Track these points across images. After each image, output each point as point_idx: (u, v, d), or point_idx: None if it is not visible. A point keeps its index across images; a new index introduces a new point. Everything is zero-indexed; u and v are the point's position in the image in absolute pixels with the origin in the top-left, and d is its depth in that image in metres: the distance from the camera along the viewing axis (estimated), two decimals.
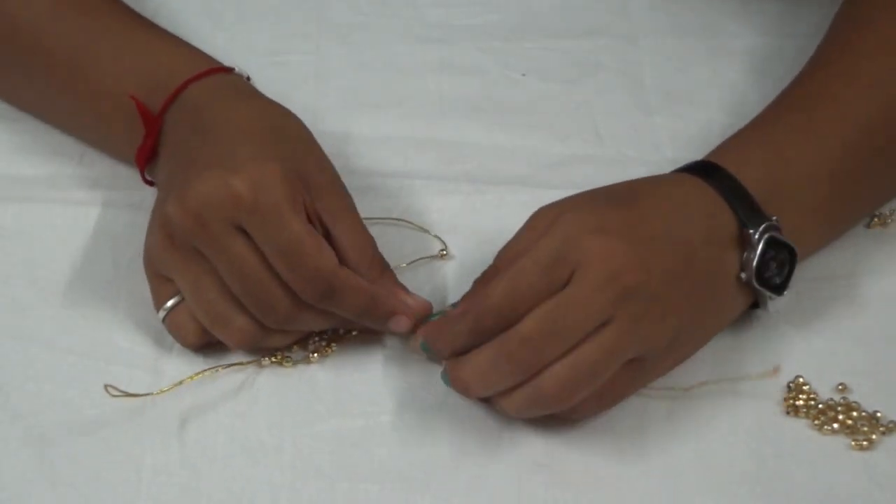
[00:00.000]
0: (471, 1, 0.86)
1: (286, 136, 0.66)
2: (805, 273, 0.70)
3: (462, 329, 0.61)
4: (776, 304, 0.64)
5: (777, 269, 0.64)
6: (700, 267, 0.62)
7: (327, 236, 0.63)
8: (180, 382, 0.64)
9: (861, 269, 0.71)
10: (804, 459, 0.63)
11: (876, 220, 0.73)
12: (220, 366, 0.65)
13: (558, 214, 0.61)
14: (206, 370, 0.64)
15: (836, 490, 0.62)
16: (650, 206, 0.62)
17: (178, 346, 0.66)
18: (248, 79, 0.71)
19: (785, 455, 0.63)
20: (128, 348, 0.66)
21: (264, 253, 0.61)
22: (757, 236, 0.62)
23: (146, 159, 0.68)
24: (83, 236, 0.71)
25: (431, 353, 0.64)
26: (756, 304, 0.65)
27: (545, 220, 0.61)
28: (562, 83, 0.81)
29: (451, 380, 0.61)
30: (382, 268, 0.65)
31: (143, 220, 0.71)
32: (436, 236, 0.72)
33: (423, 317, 0.65)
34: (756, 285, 0.63)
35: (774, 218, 0.63)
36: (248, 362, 0.65)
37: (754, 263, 0.63)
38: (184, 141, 0.66)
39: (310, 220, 0.62)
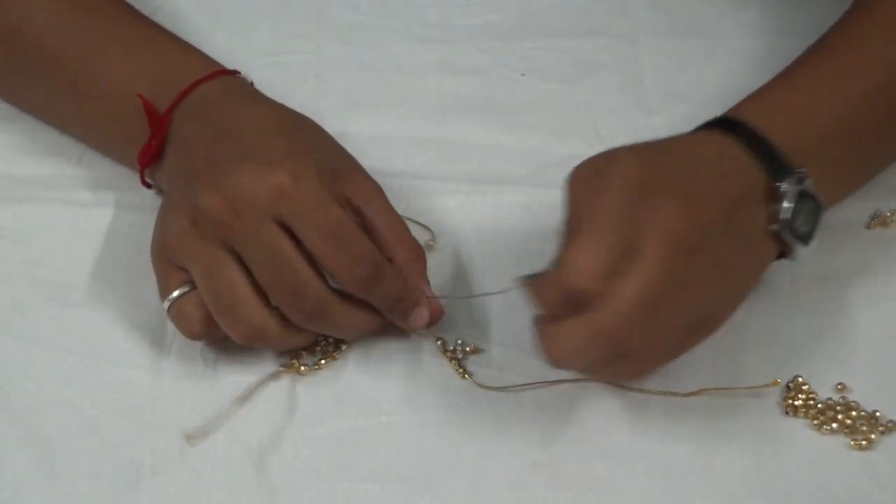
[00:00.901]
0: (471, 1, 0.86)
1: (306, 132, 0.67)
2: (805, 273, 0.70)
3: (550, 299, 0.60)
4: (803, 252, 0.64)
5: (804, 219, 0.64)
6: (736, 222, 0.62)
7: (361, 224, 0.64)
8: (241, 403, 0.64)
9: (861, 269, 0.71)
10: (803, 459, 0.63)
11: (876, 220, 0.73)
12: (266, 376, 0.65)
13: (609, 175, 0.60)
14: (249, 392, 0.65)
15: (836, 490, 0.62)
16: (685, 164, 0.62)
17: (177, 346, 0.66)
18: (252, 83, 0.72)
19: (784, 455, 0.63)
20: (128, 348, 0.66)
21: (306, 242, 0.62)
22: (787, 188, 0.62)
23: (150, 159, 0.68)
24: (83, 236, 0.71)
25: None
26: (782, 254, 0.65)
27: (599, 181, 0.60)
28: (562, 83, 0.81)
29: (546, 354, 0.60)
30: (418, 249, 0.66)
31: (142, 220, 0.71)
32: (425, 226, 0.72)
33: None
34: (787, 237, 0.63)
35: (803, 169, 0.63)
36: (282, 371, 0.66)
37: (786, 215, 0.62)
38: (196, 139, 0.66)
39: None
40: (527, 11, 0.86)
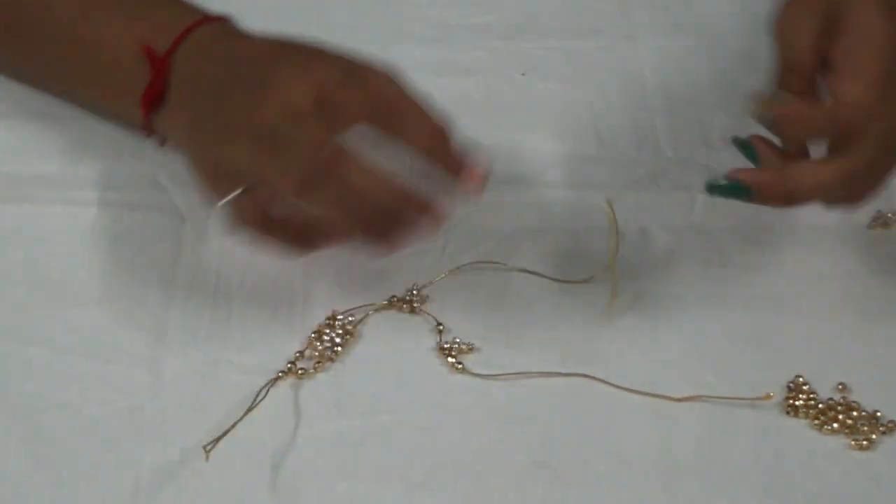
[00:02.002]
0: (471, 1, 0.86)
1: (309, 43, 0.66)
2: (805, 273, 0.70)
3: (819, 124, 0.63)
4: None
5: None
6: None
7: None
8: (248, 412, 0.64)
9: (861, 269, 0.71)
10: (804, 459, 0.63)
11: (877, 220, 0.73)
12: (272, 379, 0.65)
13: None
14: (258, 400, 0.65)
15: (836, 490, 0.62)
16: None
17: (177, 346, 0.66)
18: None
19: (785, 455, 0.63)
20: (128, 348, 0.66)
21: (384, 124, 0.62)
22: None
23: (152, 102, 0.68)
24: (83, 236, 0.71)
25: (768, 124, 0.64)
26: None
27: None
28: (562, 83, 0.81)
29: (787, 185, 0.63)
30: (440, 133, 0.65)
31: (142, 220, 0.72)
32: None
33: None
34: None
35: None
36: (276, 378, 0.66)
37: None
38: (205, 73, 0.66)
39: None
40: (527, 11, 0.86)
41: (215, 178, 0.65)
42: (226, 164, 0.63)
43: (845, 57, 0.63)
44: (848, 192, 0.65)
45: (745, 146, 0.66)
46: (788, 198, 0.64)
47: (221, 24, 0.69)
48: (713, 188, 0.64)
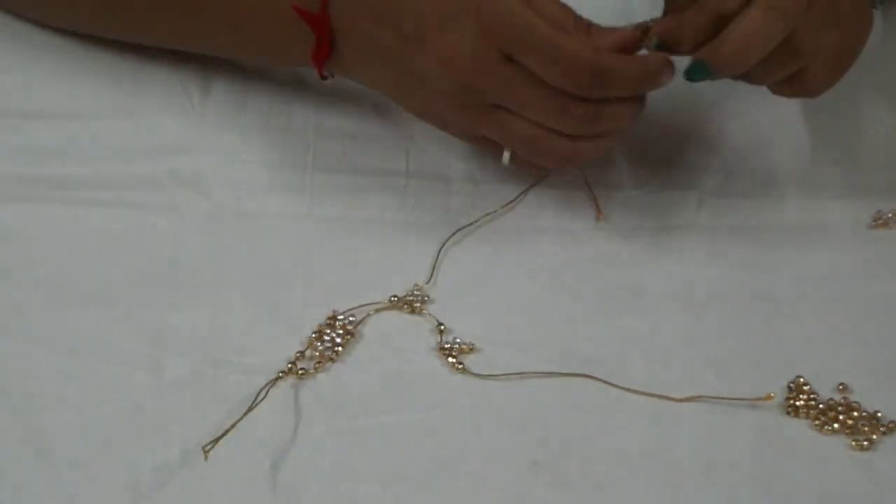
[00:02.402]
0: None
1: None
2: (805, 273, 0.70)
3: (699, 22, 0.64)
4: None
5: None
6: None
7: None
8: (248, 412, 0.64)
9: (861, 270, 0.71)
10: (804, 459, 0.63)
11: (877, 220, 0.73)
12: (271, 382, 0.65)
13: None
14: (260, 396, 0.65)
15: (836, 490, 0.62)
16: None
17: (177, 345, 0.66)
18: None
19: (785, 455, 0.63)
20: (128, 348, 0.66)
21: (534, 72, 0.64)
22: None
23: (325, 57, 0.70)
24: (83, 236, 0.71)
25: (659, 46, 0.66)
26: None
27: None
28: None
29: (721, 54, 0.63)
30: (590, 27, 0.67)
31: (143, 220, 0.71)
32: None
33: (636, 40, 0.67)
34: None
35: None
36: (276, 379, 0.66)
37: None
38: (371, 28, 0.67)
39: None
40: None
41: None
42: (450, 126, 0.69)
43: None
44: (795, 55, 0.65)
45: (692, 69, 0.66)
46: (733, 59, 0.64)
47: None
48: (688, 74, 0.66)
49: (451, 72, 0.65)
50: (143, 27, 0.77)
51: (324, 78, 0.72)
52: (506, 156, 0.69)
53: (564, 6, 0.67)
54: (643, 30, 0.66)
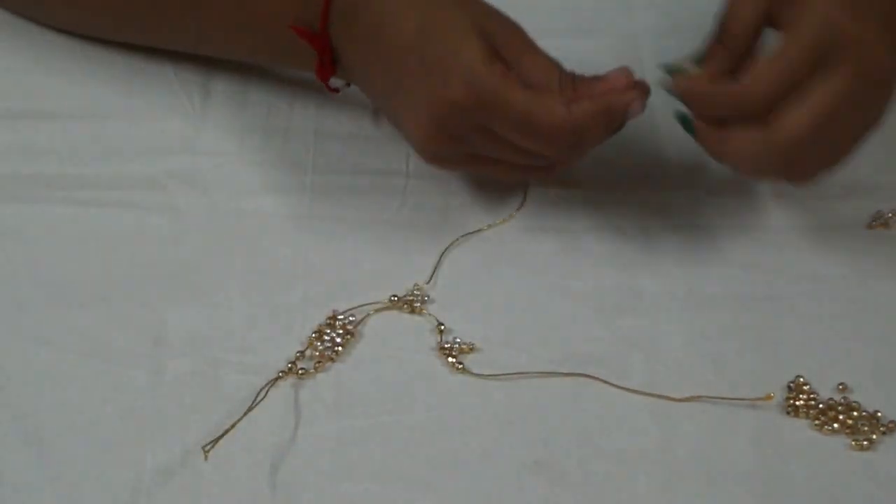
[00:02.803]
0: None
1: (443, 6, 0.66)
2: (805, 273, 0.70)
3: (724, 103, 0.63)
4: None
5: None
6: None
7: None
8: (248, 412, 0.64)
9: (861, 270, 0.71)
10: (804, 459, 0.63)
11: (877, 220, 0.73)
12: (268, 383, 0.65)
13: None
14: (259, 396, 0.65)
15: (836, 490, 0.62)
16: None
17: (177, 345, 0.66)
18: None
19: (785, 455, 0.63)
20: (128, 348, 0.66)
21: (508, 138, 0.64)
22: None
23: (328, 74, 0.71)
24: (83, 236, 0.71)
25: (677, 96, 0.65)
26: None
27: None
28: None
29: (712, 150, 0.64)
30: (574, 81, 0.66)
31: (142, 220, 0.71)
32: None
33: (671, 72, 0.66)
34: None
35: None
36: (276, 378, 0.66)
37: None
38: (364, 59, 0.68)
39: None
40: (527, 11, 0.86)
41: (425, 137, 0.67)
42: (439, 154, 0.67)
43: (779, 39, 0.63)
44: (783, 170, 0.65)
45: (684, 120, 0.67)
46: (722, 159, 0.65)
47: None
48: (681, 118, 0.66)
49: (419, 139, 0.66)
50: (143, 28, 0.77)
51: (333, 90, 0.72)
52: None
53: (550, 64, 0.66)
54: (630, 80, 0.66)
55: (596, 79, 0.66)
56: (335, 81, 0.72)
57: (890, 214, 0.74)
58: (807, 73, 0.61)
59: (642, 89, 0.65)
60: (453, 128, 0.65)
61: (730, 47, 0.65)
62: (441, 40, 0.64)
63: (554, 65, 0.66)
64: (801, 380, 0.66)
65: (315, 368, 0.66)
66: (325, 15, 0.68)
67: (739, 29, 0.64)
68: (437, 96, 0.64)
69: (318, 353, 0.66)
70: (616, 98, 0.65)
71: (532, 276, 0.70)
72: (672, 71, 0.66)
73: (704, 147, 0.65)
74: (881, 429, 0.64)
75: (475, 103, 0.63)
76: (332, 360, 0.66)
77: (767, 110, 0.62)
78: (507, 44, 0.65)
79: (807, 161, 0.64)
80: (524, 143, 0.64)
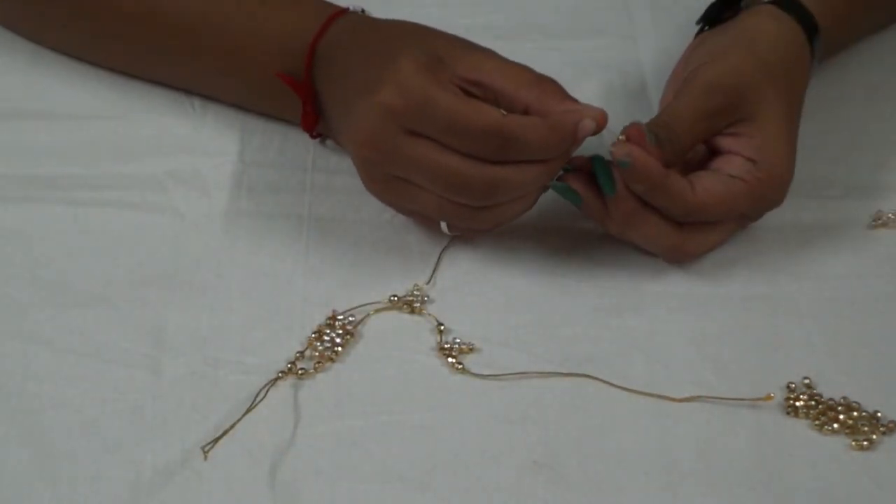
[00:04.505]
0: (471, 1, 0.86)
1: (402, 36, 0.68)
2: (806, 273, 0.70)
3: (665, 202, 0.67)
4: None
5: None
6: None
7: (488, 96, 0.66)
8: (248, 412, 0.64)
9: (862, 270, 0.71)
10: (804, 459, 0.63)
11: (877, 220, 0.73)
12: (267, 384, 0.65)
13: (730, 77, 0.69)
14: (258, 396, 0.65)
15: (836, 490, 0.62)
16: (768, 50, 0.70)
17: (177, 346, 0.66)
18: (363, 11, 0.73)
19: (785, 455, 0.63)
20: (128, 348, 0.66)
21: (437, 140, 0.64)
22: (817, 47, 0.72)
23: (313, 123, 0.72)
24: (83, 236, 0.71)
25: (625, 169, 0.66)
26: None
27: (711, 79, 0.69)
28: (562, 83, 0.81)
29: (619, 219, 0.67)
30: (544, 82, 0.67)
31: (142, 220, 0.72)
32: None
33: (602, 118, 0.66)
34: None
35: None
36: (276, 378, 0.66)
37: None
38: (331, 95, 0.69)
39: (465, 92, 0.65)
40: (527, 11, 0.86)
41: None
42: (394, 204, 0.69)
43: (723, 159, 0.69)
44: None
45: (566, 192, 0.68)
46: (620, 226, 0.68)
47: (337, 29, 0.70)
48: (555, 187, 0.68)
49: (355, 146, 0.66)
50: (143, 70, 0.78)
51: (315, 138, 0.74)
52: (443, 225, 0.69)
53: (518, 67, 0.67)
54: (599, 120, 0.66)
55: (570, 97, 0.67)
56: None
57: (890, 214, 0.74)
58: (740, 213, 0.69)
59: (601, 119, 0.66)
60: (385, 136, 0.64)
61: (674, 143, 0.67)
62: (386, 58, 0.65)
63: (523, 69, 0.67)
64: (801, 380, 0.66)
65: (315, 369, 0.66)
66: (308, 64, 0.69)
67: (687, 137, 0.68)
68: (370, 103, 0.64)
69: (317, 354, 0.66)
70: (564, 117, 0.65)
71: (532, 276, 0.70)
72: (624, 142, 0.66)
73: (614, 211, 0.67)
74: (881, 429, 0.64)
75: (404, 105, 0.63)
76: (331, 360, 0.66)
77: (690, 220, 0.68)
78: (458, 59, 0.66)
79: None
80: (453, 142, 0.64)
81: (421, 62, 0.65)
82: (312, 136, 0.74)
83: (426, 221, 0.70)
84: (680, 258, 0.70)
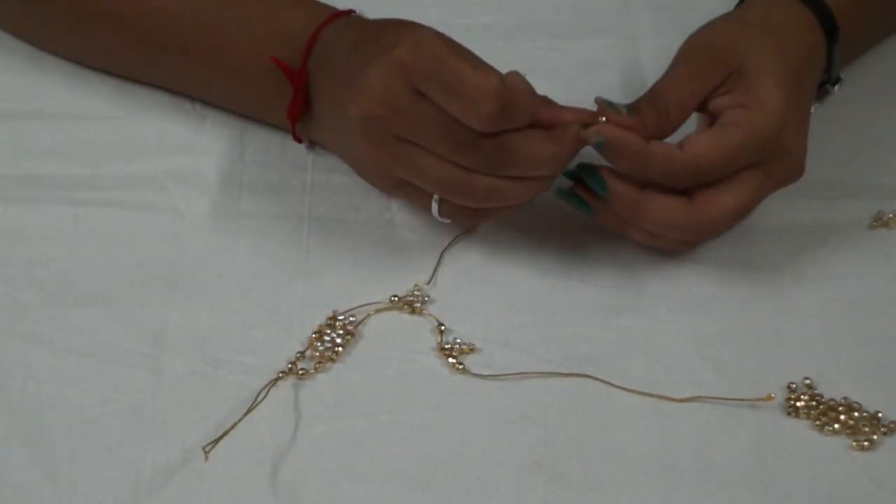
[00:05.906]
0: (472, 1, 0.86)
1: (406, 22, 0.68)
2: (805, 273, 0.70)
3: (657, 167, 0.65)
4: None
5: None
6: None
7: None
8: (248, 412, 0.64)
9: (862, 270, 0.71)
10: (804, 460, 0.63)
11: (878, 220, 0.73)
12: (267, 385, 0.65)
13: (734, 58, 0.67)
14: (259, 397, 0.65)
15: (836, 490, 0.62)
16: (758, 15, 0.70)
17: (177, 345, 0.66)
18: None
19: (785, 455, 0.63)
20: (128, 348, 0.66)
21: (437, 102, 0.64)
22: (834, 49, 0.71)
23: (299, 113, 0.71)
24: (83, 236, 0.71)
25: (602, 149, 0.66)
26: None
27: (713, 59, 0.68)
28: (562, 83, 0.81)
29: (627, 211, 0.66)
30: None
31: (142, 220, 0.71)
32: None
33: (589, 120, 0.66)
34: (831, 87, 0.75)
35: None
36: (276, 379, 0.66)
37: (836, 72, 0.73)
38: (328, 88, 0.69)
39: None
40: (527, 11, 0.86)
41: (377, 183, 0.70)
42: (370, 175, 0.69)
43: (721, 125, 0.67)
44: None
45: (571, 196, 0.68)
46: (632, 220, 0.67)
47: (341, 25, 0.71)
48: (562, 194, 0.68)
49: (361, 104, 0.65)
50: (133, 69, 0.78)
51: (297, 140, 0.73)
52: (434, 206, 0.68)
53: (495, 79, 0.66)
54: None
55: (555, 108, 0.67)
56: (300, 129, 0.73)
57: (890, 214, 0.74)
58: (743, 164, 0.66)
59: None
60: (396, 92, 0.64)
61: (658, 110, 0.67)
62: (398, 28, 0.66)
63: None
64: (802, 380, 0.66)
65: (315, 369, 0.66)
66: (307, 52, 0.69)
67: (674, 99, 0.67)
68: (384, 59, 0.64)
69: (318, 354, 0.66)
70: (557, 109, 0.66)
71: (532, 276, 0.70)
72: (609, 106, 0.66)
73: (618, 209, 0.67)
74: (882, 429, 0.64)
75: (415, 62, 0.63)
76: (332, 360, 0.66)
77: (695, 185, 0.66)
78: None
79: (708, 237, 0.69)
80: (451, 106, 0.63)
81: (436, 31, 0.65)
82: (295, 135, 0.73)
83: (419, 198, 0.68)
84: (703, 234, 0.68)
